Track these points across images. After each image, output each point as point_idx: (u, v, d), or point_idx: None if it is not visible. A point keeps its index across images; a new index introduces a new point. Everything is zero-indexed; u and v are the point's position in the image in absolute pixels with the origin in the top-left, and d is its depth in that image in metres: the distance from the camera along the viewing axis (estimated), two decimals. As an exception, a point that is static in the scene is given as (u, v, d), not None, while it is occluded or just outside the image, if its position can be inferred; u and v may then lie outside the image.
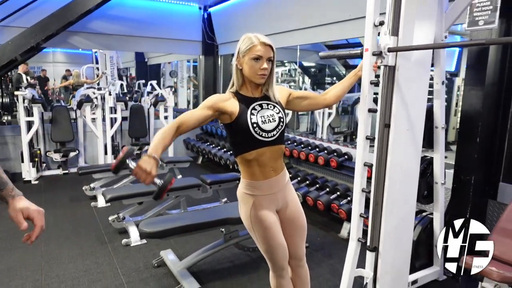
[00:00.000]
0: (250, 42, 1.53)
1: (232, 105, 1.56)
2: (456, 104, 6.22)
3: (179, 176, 4.82)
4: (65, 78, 9.78)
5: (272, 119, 1.59)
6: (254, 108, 1.58)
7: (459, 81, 6.45)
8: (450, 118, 6.00)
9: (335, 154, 3.78)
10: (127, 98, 7.06)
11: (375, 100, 1.90)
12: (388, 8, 1.81)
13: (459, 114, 6.54)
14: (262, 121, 1.56)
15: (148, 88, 6.68)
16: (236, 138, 1.61)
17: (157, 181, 1.34)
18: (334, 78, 7.91)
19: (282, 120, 1.62)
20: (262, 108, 1.60)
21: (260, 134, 1.56)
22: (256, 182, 1.62)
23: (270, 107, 1.62)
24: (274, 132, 1.59)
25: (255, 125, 1.55)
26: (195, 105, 8.77)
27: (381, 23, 1.77)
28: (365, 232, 2.01)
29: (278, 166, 1.65)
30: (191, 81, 10.16)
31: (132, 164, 1.32)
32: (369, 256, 2.02)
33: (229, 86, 1.65)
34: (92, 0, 4.70)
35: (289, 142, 4.49)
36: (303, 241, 1.80)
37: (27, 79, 6.57)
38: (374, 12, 1.78)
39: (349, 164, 3.62)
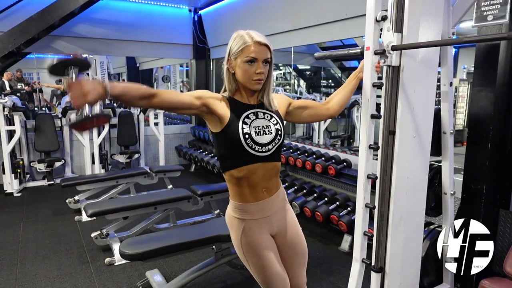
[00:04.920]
0: (242, 41, 1.31)
1: (223, 108, 1.34)
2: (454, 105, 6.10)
3: (170, 187, 4.58)
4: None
5: (268, 131, 1.37)
6: (247, 117, 1.36)
7: (456, 82, 6.35)
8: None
9: (333, 161, 3.58)
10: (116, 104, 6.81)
11: (377, 105, 1.71)
12: (391, 2, 1.63)
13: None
14: (256, 132, 1.34)
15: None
16: (224, 150, 1.39)
17: (87, 109, 1.09)
18: (330, 81, 7.74)
19: (279, 133, 1.39)
20: (257, 117, 1.38)
21: (253, 147, 1.33)
22: (245, 204, 1.40)
23: (267, 117, 1.40)
24: (270, 146, 1.37)
25: (247, 136, 1.32)
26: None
27: (384, 18, 1.59)
28: (369, 246, 1.81)
29: (272, 186, 1.43)
30: (184, 85, 9.95)
31: (73, 76, 1.10)
32: (374, 277, 1.83)
33: (222, 90, 1.43)
34: (72, 3, 4.46)
35: (284, 148, 4.28)
36: (303, 268, 1.59)
37: (10, 86, 6.33)
38: (376, 5, 1.59)
39: (348, 171, 3.41)
